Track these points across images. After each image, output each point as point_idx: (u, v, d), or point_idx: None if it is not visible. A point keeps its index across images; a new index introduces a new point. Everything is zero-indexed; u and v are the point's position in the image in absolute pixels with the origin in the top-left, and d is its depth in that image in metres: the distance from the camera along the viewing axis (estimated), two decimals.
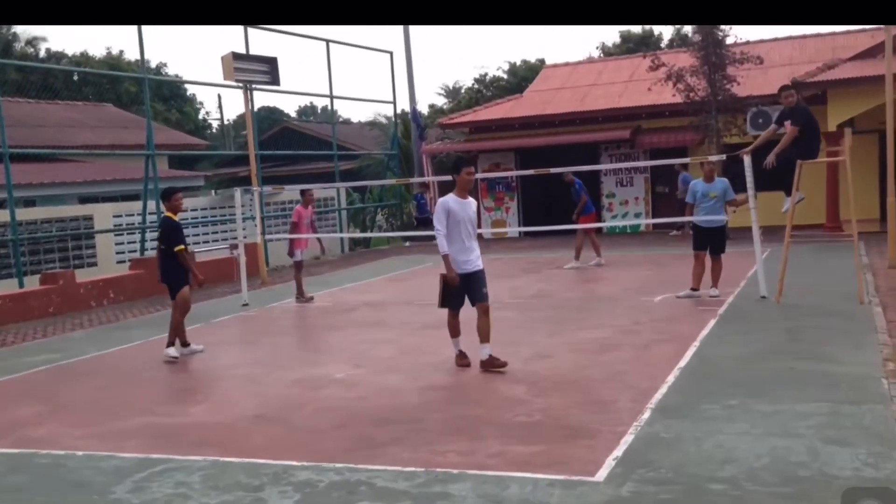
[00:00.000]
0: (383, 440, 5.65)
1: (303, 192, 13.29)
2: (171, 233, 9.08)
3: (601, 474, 4.76)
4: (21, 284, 13.82)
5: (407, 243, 22.69)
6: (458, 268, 7.57)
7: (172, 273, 9.06)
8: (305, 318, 11.72)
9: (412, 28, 25.94)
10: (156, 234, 16.86)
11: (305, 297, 12.76)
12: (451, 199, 7.61)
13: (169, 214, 9.19)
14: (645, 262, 15.42)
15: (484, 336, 7.59)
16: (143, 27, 16.23)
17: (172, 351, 8.97)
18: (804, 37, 24.89)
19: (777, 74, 20.41)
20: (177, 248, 8.99)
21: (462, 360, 7.76)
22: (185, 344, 9.13)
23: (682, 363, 7.29)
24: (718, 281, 10.87)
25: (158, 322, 11.89)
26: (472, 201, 7.75)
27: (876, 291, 10.31)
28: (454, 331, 7.84)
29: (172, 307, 9.16)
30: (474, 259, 7.67)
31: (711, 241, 10.87)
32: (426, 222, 24.00)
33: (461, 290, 7.64)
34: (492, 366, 7.47)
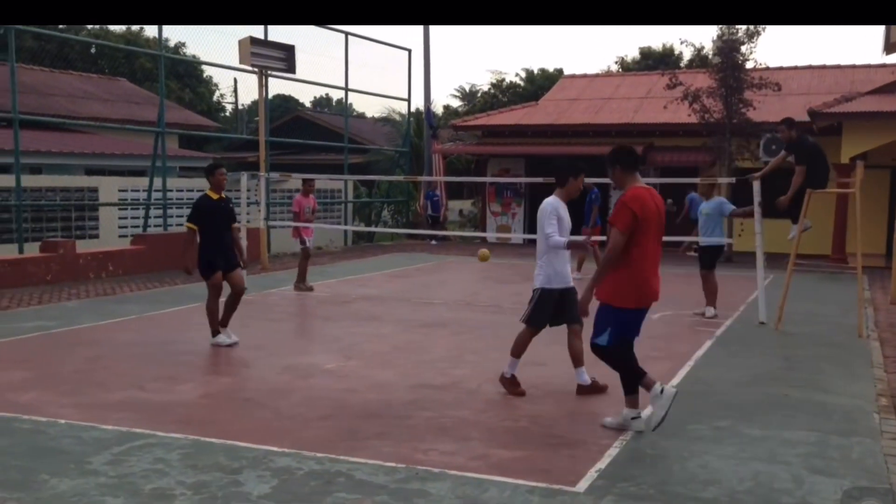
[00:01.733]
0: (367, 434, 5.61)
1: (304, 182, 13.39)
2: (192, 208, 8.70)
3: (582, 485, 4.71)
4: (21, 250, 13.82)
5: (433, 241, 22.63)
6: (557, 283, 6.63)
7: (201, 254, 8.52)
8: (302, 306, 11.68)
9: (432, 27, 25.97)
10: (160, 211, 16.90)
11: (306, 285, 12.76)
12: (560, 203, 6.63)
13: (209, 192, 8.67)
14: None
15: (579, 360, 6.81)
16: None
17: (222, 338, 8.49)
18: (823, 67, 24.84)
19: (794, 102, 20.39)
20: (186, 224, 8.69)
21: (515, 387, 6.73)
22: (215, 333, 8.52)
23: (675, 381, 7.24)
24: (712, 300, 10.82)
25: (155, 298, 11.88)
26: None
27: (875, 326, 10.25)
28: (521, 350, 6.77)
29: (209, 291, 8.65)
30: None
31: (703, 257, 10.91)
32: (437, 221, 23.95)
33: (554, 306, 6.69)
34: (594, 391, 6.77)
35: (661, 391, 5.62)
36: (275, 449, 5.23)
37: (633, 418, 5.70)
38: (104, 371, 7.37)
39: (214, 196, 8.68)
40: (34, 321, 9.78)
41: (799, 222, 9.80)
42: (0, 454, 5.07)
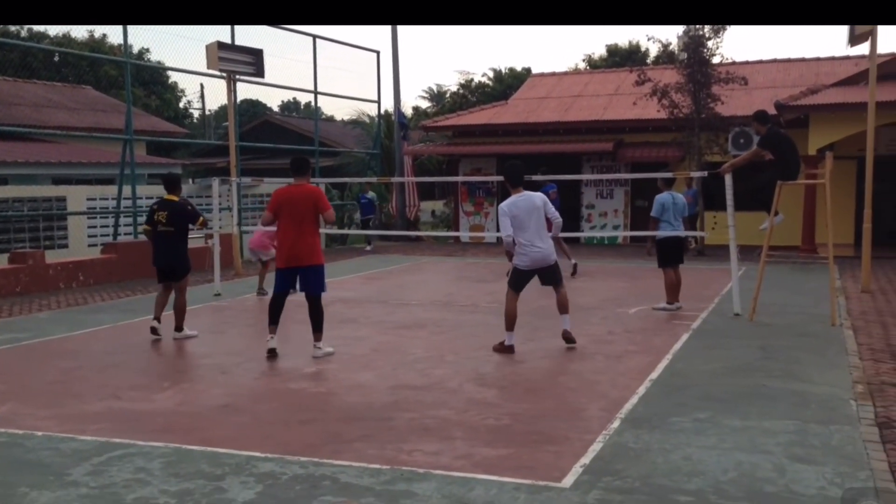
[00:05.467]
0: (350, 436, 5.58)
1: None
2: (194, 212, 9.35)
3: (567, 480, 4.72)
4: None
5: (369, 247, 21.62)
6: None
7: (186, 256, 9.31)
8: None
9: (400, 28, 25.94)
10: (142, 219, 16.67)
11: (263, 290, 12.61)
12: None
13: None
14: (621, 273, 15.46)
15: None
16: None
17: (190, 331, 9.32)
18: (789, 61, 25.16)
19: (761, 96, 20.63)
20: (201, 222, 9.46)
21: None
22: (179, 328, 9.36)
23: (654, 375, 7.28)
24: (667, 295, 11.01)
25: (127, 307, 11.74)
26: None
27: (848, 315, 10.39)
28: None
29: (179, 290, 9.30)
30: None
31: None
32: (367, 225, 22.28)
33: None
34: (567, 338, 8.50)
35: (269, 340, 8.26)
36: (257, 454, 5.18)
37: (269, 339, 8.27)
38: (80, 382, 7.26)
39: None
40: (5, 333, 9.62)
41: (771, 214, 9.90)
42: None
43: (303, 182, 8.21)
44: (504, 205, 8.24)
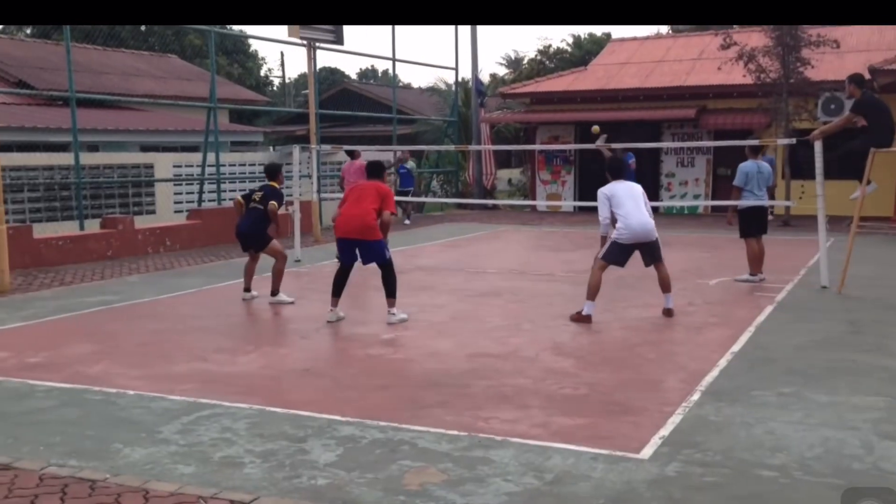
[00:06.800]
0: (428, 402, 5.64)
1: (349, 153, 13.66)
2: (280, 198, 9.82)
3: (646, 452, 4.68)
4: (82, 227, 14.13)
5: (407, 220, 20.01)
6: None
7: (262, 233, 9.69)
8: (355, 278, 11.71)
9: None
10: (227, 185, 17.11)
11: None
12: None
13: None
14: (701, 244, 15.13)
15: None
16: None
17: (285, 297, 9.60)
18: None
19: (853, 60, 19.75)
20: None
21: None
22: (246, 289, 9.83)
23: (736, 348, 7.14)
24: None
25: (212, 272, 12.07)
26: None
27: None
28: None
29: (274, 257, 9.70)
30: None
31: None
32: (406, 195, 20.53)
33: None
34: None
35: (330, 312, 8.36)
36: (338, 418, 5.29)
37: (330, 310, 8.38)
38: (168, 343, 7.52)
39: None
40: (98, 296, 10.02)
41: (863, 183, 9.52)
42: (74, 424, 5.22)
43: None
44: (603, 188, 8.43)
